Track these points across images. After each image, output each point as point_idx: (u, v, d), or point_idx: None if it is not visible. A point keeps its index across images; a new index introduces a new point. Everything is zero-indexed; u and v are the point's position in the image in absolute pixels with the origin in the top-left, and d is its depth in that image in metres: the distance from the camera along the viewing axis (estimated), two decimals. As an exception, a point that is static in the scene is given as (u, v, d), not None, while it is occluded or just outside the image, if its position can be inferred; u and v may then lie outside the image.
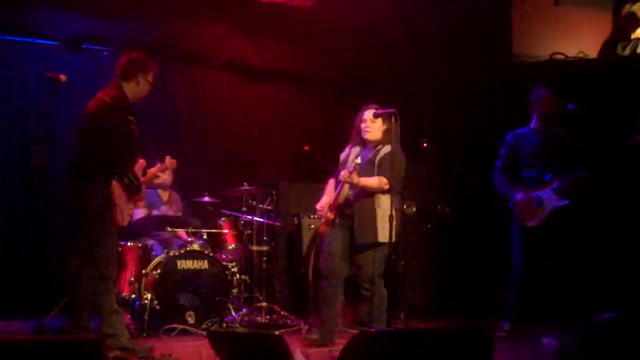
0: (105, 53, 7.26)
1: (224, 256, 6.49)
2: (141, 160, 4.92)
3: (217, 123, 7.95)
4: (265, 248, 6.60)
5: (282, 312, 6.33)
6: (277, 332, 3.72)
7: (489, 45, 7.31)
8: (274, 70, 8.08)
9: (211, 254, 6.17)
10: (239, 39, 7.56)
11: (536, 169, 5.54)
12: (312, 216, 6.94)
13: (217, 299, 5.92)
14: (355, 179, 5.00)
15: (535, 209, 5.44)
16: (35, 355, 2.91)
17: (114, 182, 4.53)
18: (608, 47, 7.18)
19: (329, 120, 8.07)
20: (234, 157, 7.85)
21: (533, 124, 5.70)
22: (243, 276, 6.50)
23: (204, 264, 6.03)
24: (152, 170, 5.05)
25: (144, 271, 5.95)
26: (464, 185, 7.19)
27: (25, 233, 6.61)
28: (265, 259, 6.61)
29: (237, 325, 5.95)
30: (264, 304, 6.28)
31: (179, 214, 6.86)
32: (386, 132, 5.20)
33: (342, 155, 5.36)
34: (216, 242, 6.57)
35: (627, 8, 7.14)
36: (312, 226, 6.88)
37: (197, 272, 5.99)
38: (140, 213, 6.50)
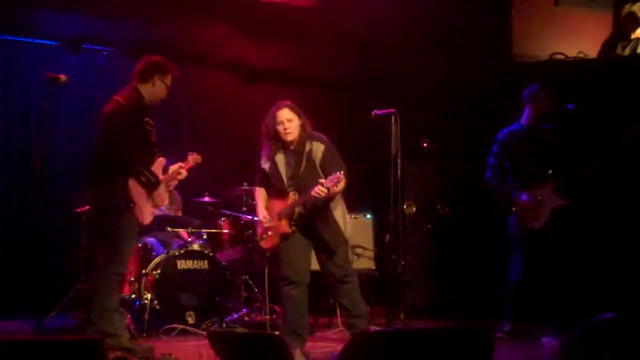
0: (105, 53, 7.27)
1: (224, 256, 6.49)
2: (160, 159, 4.92)
3: (217, 123, 7.95)
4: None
5: (282, 312, 6.33)
6: (277, 332, 3.73)
7: (489, 45, 7.31)
8: (274, 70, 8.09)
9: (211, 254, 6.18)
10: (239, 39, 7.56)
11: (532, 167, 5.41)
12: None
13: (217, 299, 5.92)
14: (336, 189, 4.62)
15: (538, 210, 5.32)
16: (35, 355, 2.92)
17: (131, 182, 4.60)
18: (608, 47, 7.17)
19: (329, 120, 8.06)
20: (234, 157, 7.85)
21: (524, 120, 5.58)
22: (243, 276, 6.50)
23: (204, 264, 6.03)
24: (174, 167, 5.01)
25: (144, 271, 5.95)
26: (464, 185, 7.18)
27: (25, 233, 6.61)
28: (265, 259, 6.59)
29: (237, 325, 5.94)
30: (264, 304, 6.28)
31: (180, 213, 6.87)
32: (301, 127, 4.90)
33: (266, 166, 4.97)
34: (216, 242, 6.57)
35: (627, 8, 7.13)
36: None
37: (197, 272, 5.99)
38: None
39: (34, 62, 6.94)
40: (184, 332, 5.67)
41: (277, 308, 6.39)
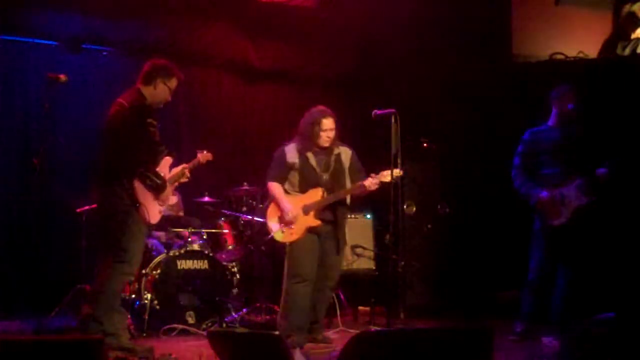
0: (105, 53, 7.27)
1: (224, 256, 6.48)
2: (167, 158, 4.95)
3: (217, 123, 7.95)
4: (265, 248, 6.60)
5: (282, 312, 6.32)
6: (277, 332, 3.73)
7: (489, 45, 7.31)
8: (274, 70, 8.08)
9: (211, 254, 6.17)
10: (239, 39, 7.56)
11: (557, 166, 5.38)
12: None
13: (217, 299, 5.92)
14: (377, 186, 5.16)
15: (561, 207, 5.30)
16: (35, 355, 2.91)
17: (136, 183, 4.62)
18: (608, 47, 7.18)
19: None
20: (234, 157, 7.85)
21: (551, 122, 5.52)
22: (243, 276, 6.50)
23: (204, 264, 6.03)
24: (176, 170, 5.04)
25: (144, 271, 5.95)
26: (464, 185, 7.18)
27: (25, 233, 6.61)
28: (265, 259, 6.59)
29: (237, 325, 5.94)
30: (264, 304, 6.28)
31: (180, 213, 6.86)
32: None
33: (295, 161, 5.24)
34: (216, 242, 6.57)
35: (627, 8, 7.14)
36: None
37: (197, 272, 5.99)
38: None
39: (34, 62, 6.94)
40: (184, 332, 5.67)
41: (276, 308, 6.39)
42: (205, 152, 5.41)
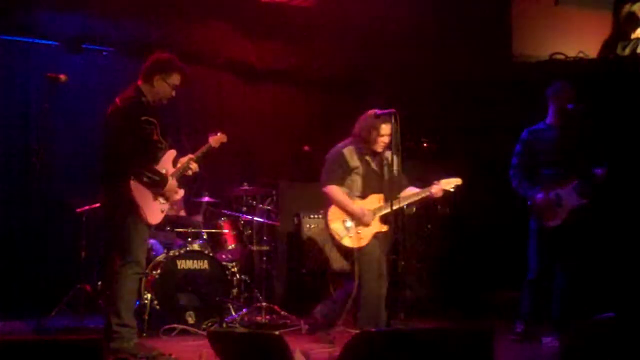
0: (105, 53, 7.27)
1: (224, 256, 6.48)
2: (170, 151, 4.88)
3: (217, 123, 7.93)
4: (265, 248, 6.60)
5: (282, 312, 6.32)
6: (277, 332, 3.73)
7: (489, 45, 7.31)
8: (274, 70, 8.08)
9: (211, 254, 6.17)
10: (239, 39, 7.56)
11: (555, 166, 5.35)
12: (312, 216, 6.93)
13: (217, 299, 5.91)
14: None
15: (556, 209, 5.27)
16: (35, 355, 2.92)
17: (132, 183, 4.55)
18: (608, 47, 7.18)
19: (329, 120, 8.06)
20: (234, 157, 7.84)
21: (549, 120, 5.47)
22: (243, 276, 6.50)
23: (204, 264, 6.03)
24: (183, 160, 4.96)
25: (144, 271, 5.95)
26: (464, 185, 7.17)
27: (25, 233, 6.61)
28: (265, 259, 6.60)
29: (237, 325, 5.94)
30: (264, 304, 6.28)
31: (182, 213, 6.85)
32: None
33: (357, 164, 5.19)
34: (216, 242, 6.56)
35: (627, 8, 7.14)
36: (313, 226, 6.87)
37: (197, 272, 5.98)
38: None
39: (34, 62, 6.94)
40: (184, 332, 5.66)
41: (276, 308, 6.39)
42: (219, 133, 5.26)
